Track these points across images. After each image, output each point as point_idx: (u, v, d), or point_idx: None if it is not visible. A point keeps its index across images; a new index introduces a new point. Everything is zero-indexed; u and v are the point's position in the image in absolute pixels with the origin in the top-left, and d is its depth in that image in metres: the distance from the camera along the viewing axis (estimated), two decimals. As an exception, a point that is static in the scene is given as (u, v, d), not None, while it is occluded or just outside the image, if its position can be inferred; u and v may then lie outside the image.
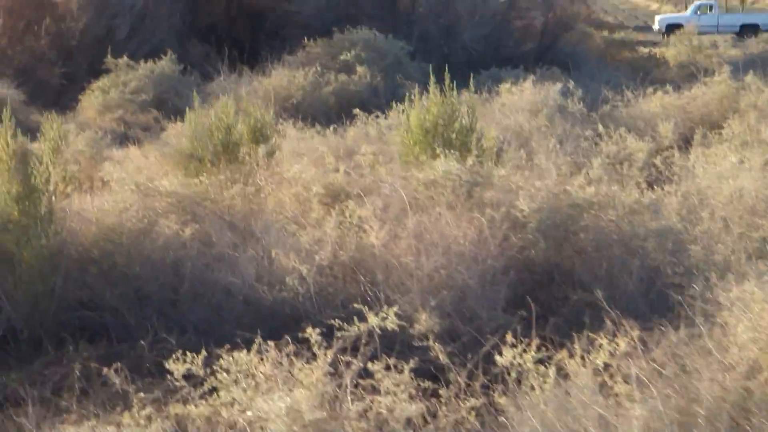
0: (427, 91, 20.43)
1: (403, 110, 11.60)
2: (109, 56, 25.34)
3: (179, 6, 29.15)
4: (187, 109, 23.59)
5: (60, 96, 26.25)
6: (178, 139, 18.53)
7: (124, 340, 7.38)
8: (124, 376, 5.30)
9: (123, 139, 20.16)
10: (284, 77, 23.71)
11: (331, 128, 16.10)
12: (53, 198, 8.67)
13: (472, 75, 27.95)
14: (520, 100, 18.31)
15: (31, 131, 22.79)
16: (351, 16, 30.00)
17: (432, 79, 10.78)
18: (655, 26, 47.71)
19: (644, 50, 37.76)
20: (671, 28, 43.15)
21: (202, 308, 7.57)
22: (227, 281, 7.58)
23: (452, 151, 9.27)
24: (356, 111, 15.92)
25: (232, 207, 9.51)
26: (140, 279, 7.99)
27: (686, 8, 50.62)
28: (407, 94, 22.80)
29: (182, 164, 12.19)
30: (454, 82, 10.71)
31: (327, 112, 22.51)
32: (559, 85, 19.41)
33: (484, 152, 10.23)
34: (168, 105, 24.10)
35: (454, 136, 10.39)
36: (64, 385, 6.38)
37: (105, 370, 5.39)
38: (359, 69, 24.65)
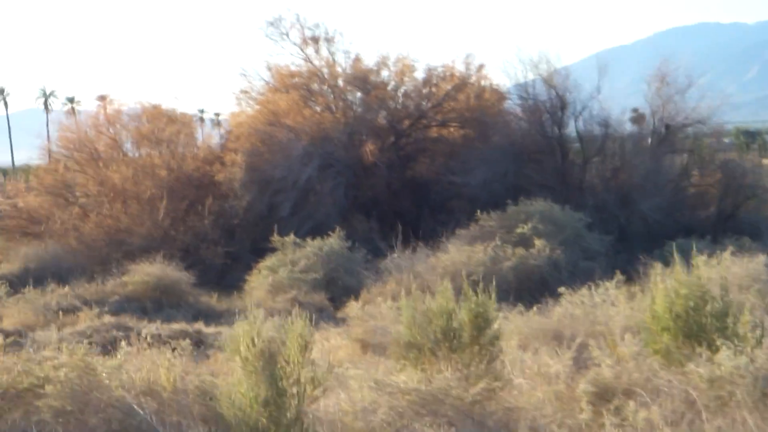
0: (613, 266, 19.73)
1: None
2: (275, 234, 25.52)
3: (342, 181, 29.33)
4: (363, 289, 23.63)
5: (224, 275, 26.36)
6: (362, 321, 18.41)
7: None
8: None
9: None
10: (463, 252, 23.19)
11: (534, 308, 15.74)
12: (302, 401, 8.24)
13: (655, 246, 27.56)
14: (724, 274, 17.61)
15: (203, 314, 23.10)
16: (519, 187, 29.80)
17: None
18: None
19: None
20: None
21: None
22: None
23: (716, 339, 8.76)
24: (561, 290, 15.51)
25: (481, 405, 9.04)
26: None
27: None
28: (595, 269, 22.39)
29: (399, 353, 11.83)
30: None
31: (507, 288, 22.14)
32: (762, 257, 18.71)
33: (745, 338, 9.64)
34: (338, 283, 24.01)
35: (708, 320, 9.83)
36: None
37: None
38: (537, 242, 24.09)
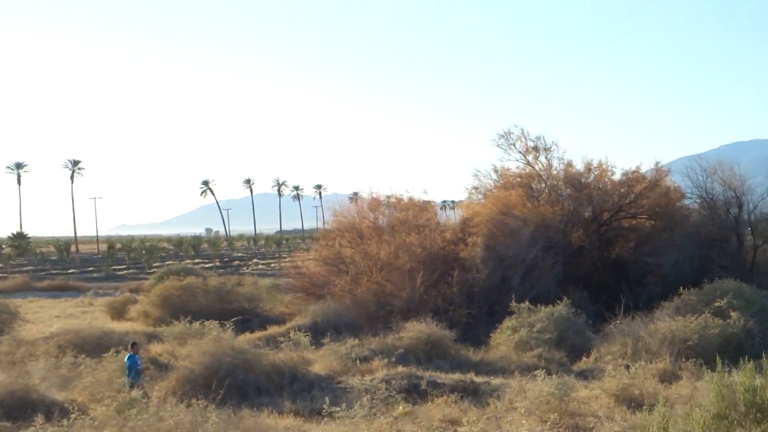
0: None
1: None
2: (513, 300, 25.35)
3: (559, 260, 29.06)
4: (593, 348, 23.04)
5: (467, 332, 26.19)
6: (616, 377, 17.93)
7: None
8: None
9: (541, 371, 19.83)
10: (678, 321, 22.45)
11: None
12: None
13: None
14: None
15: (463, 364, 22.98)
16: (705, 267, 29.03)
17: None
18: None
19: None
20: None
21: None
22: None
23: None
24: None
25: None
26: None
27: None
28: None
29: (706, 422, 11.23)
30: None
31: (711, 352, 21.32)
32: None
33: None
34: (567, 343, 23.54)
35: None
36: None
37: None
38: (733, 314, 23.23)
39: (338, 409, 13.88)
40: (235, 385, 18.13)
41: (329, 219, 35.80)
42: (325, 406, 13.59)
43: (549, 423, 14.52)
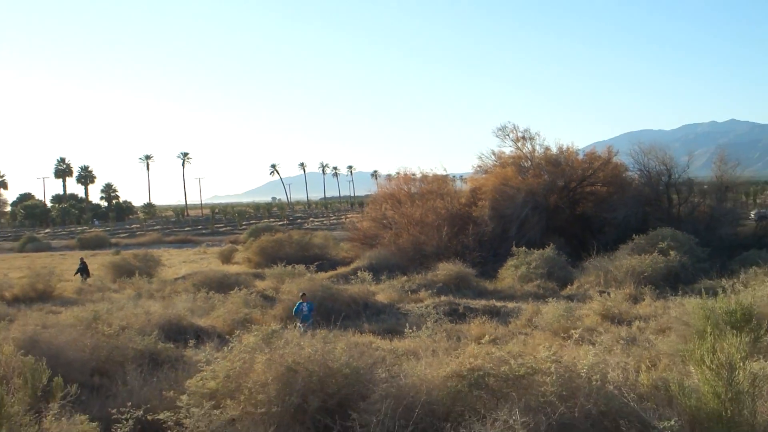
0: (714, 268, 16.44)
1: None
2: (513, 245, 24.46)
3: (543, 215, 27.92)
4: (575, 280, 21.93)
5: (485, 270, 24.97)
6: (600, 301, 16.88)
7: None
8: None
9: (539, 299, 18.95)
10: (635, 259, 21.43)
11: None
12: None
13: (732, 255, 24.93)
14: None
15: (482, 293, 21.95)
16: (646, 219, 27.89)
17: None
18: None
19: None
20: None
21: None
22: None
23: None
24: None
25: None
26: None
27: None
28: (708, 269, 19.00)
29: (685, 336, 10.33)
30: None
31: (660, 282, 20.41)
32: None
33: None
34: (555, 276, 22.52)
35: None
36: None
37: None
38: (671, 253, 22.12)
39: (409, 330, 12.97)
40: (325, 312, 17.28)
41: (374, 190, 34.81)
42: (406, 330, 12.49)
43: (562, 336, 13.59)
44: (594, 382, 6.45)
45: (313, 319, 15.55)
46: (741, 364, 6.05)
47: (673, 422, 5.71)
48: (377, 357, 8.70)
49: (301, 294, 16.51)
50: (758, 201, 61.89)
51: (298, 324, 13.88)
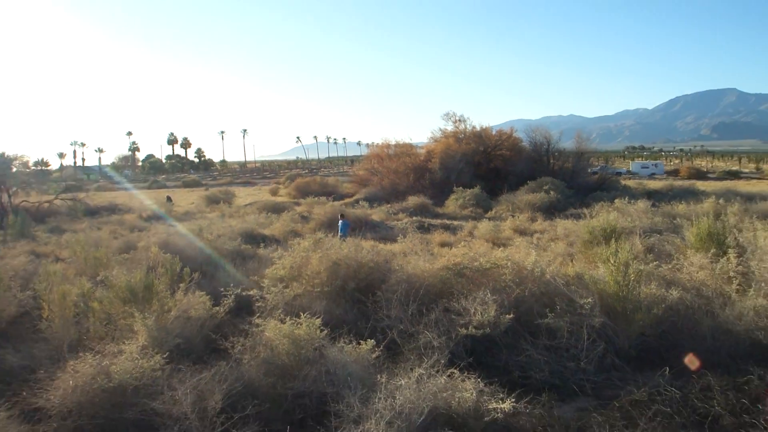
0: (577, 202, 15.55)
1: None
2: (454, 187, 23.97)
3: (472, 169, 27.34)
4: (492, 208, 21.47)
5: (433, 201, 24.60)
6: (512, 222, 16.56)
7: None
8: None
9: (472, 219, 18.74)
10: (532, 196, 21.10)
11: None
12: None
13: (586, 195, 24.73)
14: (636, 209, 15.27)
15: (438, 216, 21.59)
16: (535, 172, 27.42)
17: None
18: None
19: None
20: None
21: None
22: None
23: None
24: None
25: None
26: None
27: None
28: (572, 203, 18.13)
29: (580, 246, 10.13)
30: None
31: (545, 210, 20.22)
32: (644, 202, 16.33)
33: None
34: (480, 205, 21.77)
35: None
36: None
37: None
38: (552, 192, 21.98)
39: (400, 237, 12.52)
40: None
41: (362, 153, 33.70)
42: (399, 238, 11.94)
43: (492, 242, 13.31)
44: (537, 273, 6.14)
45: (348, 232, 14.85)
46: (632, 262, 5.74)
47: (590, 300, 5.45)
48: (388, 255, 8.31)
49: (340, 215, 15.94)
50: (596, 164, 62.29)
51: (339, 234, 13.36)
